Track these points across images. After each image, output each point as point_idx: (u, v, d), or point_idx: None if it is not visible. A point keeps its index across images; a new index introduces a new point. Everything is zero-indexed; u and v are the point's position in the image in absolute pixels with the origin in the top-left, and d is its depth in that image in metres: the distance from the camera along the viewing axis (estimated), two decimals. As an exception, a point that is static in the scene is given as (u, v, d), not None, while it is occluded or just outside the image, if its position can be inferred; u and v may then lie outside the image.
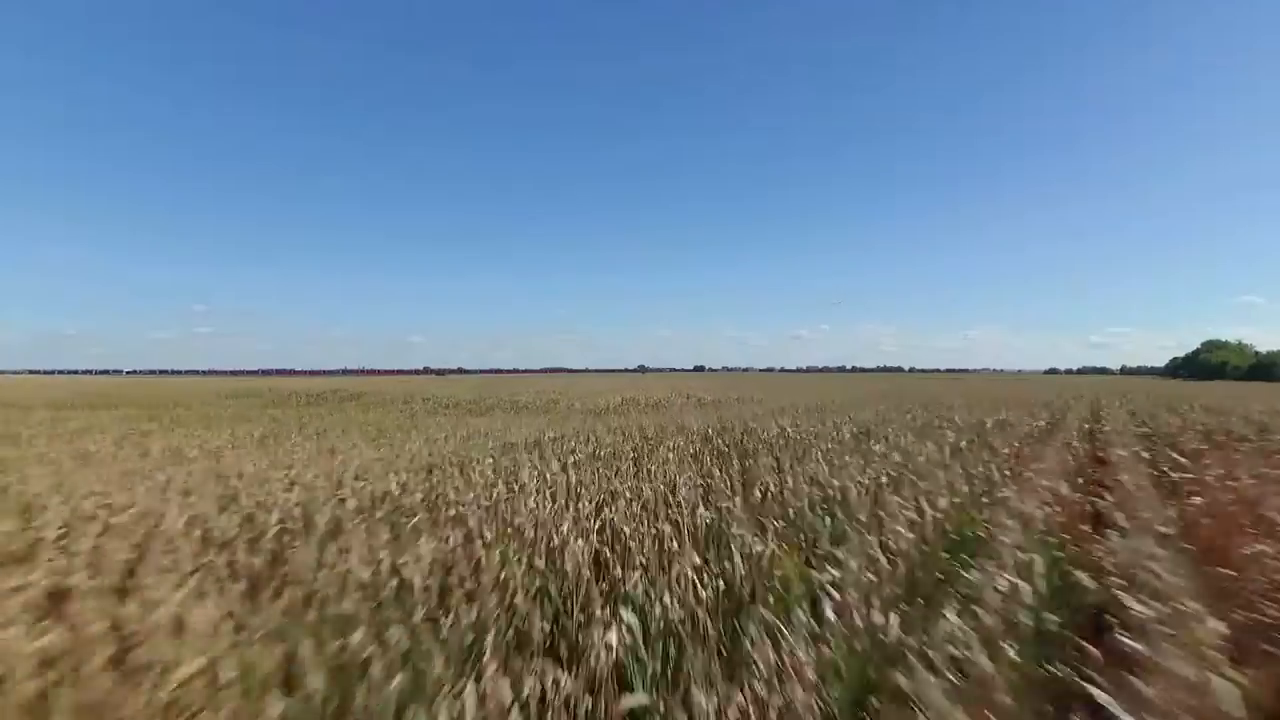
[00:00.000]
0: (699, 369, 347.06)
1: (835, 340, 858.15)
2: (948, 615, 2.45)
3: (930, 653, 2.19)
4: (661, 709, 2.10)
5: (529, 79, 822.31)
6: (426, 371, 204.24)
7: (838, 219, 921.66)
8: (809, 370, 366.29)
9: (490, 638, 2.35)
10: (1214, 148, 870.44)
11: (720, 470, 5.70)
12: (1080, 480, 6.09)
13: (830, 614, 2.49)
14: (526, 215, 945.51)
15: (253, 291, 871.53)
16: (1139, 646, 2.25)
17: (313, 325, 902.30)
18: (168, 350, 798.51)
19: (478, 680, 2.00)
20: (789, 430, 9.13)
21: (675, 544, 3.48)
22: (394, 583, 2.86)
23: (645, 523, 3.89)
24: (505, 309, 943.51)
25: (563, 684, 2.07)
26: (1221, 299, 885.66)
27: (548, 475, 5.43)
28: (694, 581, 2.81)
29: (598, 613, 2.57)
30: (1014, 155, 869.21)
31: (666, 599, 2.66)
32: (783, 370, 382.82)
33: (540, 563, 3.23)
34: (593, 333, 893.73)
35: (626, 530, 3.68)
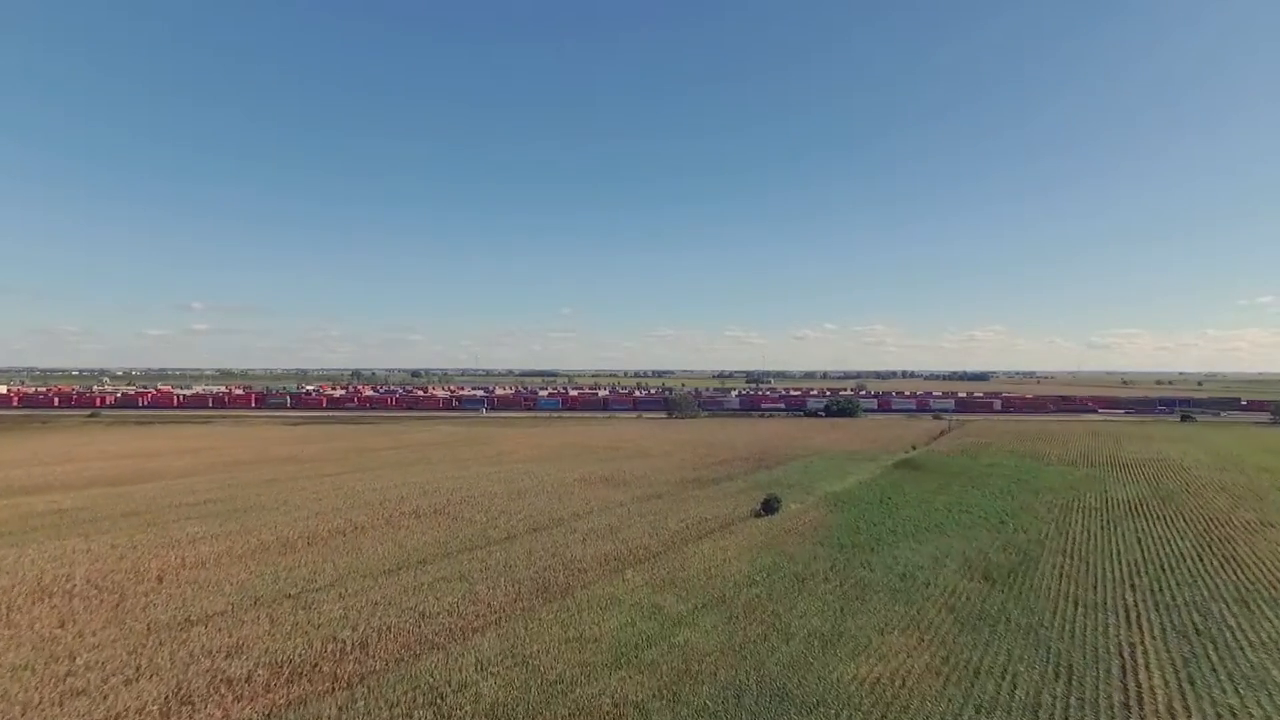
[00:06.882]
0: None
1: (838, 341, 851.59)
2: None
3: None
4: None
5: (530, 77, 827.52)
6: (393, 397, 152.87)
7: (842, 216, 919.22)
8: (821, 376, 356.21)
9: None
10: (1224, 144, 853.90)
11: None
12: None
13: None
14: (528, 212, 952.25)
15: (249, 288, 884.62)
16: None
17: (311, 322, 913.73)
18: (164, 347, 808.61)
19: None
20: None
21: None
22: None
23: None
24: (506, 308, 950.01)
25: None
26: (1233, 300, 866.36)
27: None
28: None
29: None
30: (1018, 154, 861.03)
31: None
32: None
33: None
34: (595, 331, 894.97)
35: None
